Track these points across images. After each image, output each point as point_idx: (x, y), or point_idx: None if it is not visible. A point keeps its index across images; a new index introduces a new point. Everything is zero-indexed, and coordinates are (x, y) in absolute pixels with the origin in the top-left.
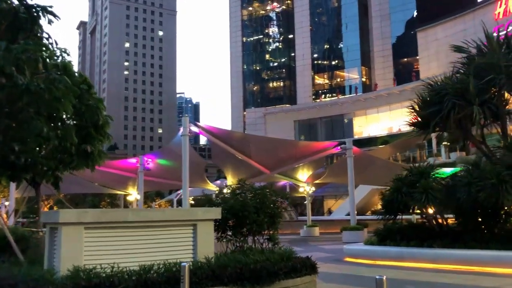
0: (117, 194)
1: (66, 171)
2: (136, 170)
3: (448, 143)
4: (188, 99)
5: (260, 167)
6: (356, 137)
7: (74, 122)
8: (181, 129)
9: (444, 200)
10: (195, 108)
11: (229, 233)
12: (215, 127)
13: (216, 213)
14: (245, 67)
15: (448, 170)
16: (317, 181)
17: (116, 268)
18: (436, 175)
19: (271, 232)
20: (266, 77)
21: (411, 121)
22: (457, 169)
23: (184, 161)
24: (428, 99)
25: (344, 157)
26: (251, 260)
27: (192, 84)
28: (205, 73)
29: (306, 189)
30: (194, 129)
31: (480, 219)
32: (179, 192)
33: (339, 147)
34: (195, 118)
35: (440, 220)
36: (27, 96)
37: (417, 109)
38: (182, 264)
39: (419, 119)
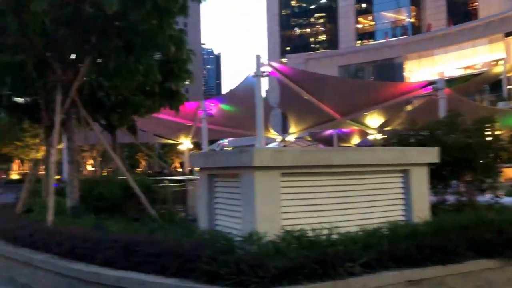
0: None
1: (150, 112)
2: (192, 117)
3: None
4: (209, 50)
5: (332, 112)
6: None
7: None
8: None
9: None
10: (217, 59)
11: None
12: (290, 67)
13: (432, 155)
14: (282, 10)
15: None
16: (389, 128)
17: (327, 230)
18: None
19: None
20: (305, 21)
21: None
22: None
23: (258, 104)
24: None
25: (431, 98)
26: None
27: (212, 35)
28: (225, 23)
29: (376, 137)
30: (267, 68)
31: None
32: (220, 142)
33: (429, 87)
34: (217, 71)
35: None
36: None
37: None
38: None
39: None
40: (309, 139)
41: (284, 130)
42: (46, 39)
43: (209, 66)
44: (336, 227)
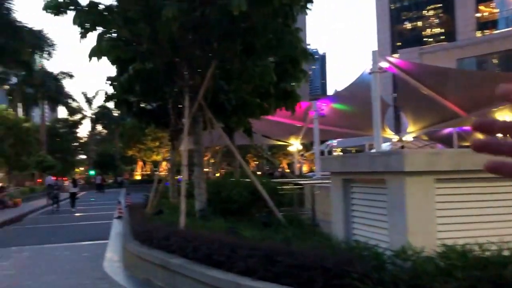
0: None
1: (265, 114)
2: (302, 117)
3: None
4: (314, 51)
5: (456, 109)
6: None
7: (272, 57)
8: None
9: None
10: (322, 59)
11: None
12: (408, 61)
13: None
14: (391, 5)
15: None
16: None
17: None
18: None
19: None
20: (417, 14)
21: None
22: None
23: (375, 102)
24: None
25: None
26: None
27: (316, 35)
28: (330, 23)
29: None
30: (384, 64)
31: None
32: (328, 142)
33: None
34: (322, 71)
35: None
36: None
37: None
38: None
39: None
40: (425, 138)
41: (397, 129)
42: (173, 45)
43: (314, 67)
44: (507, 241)
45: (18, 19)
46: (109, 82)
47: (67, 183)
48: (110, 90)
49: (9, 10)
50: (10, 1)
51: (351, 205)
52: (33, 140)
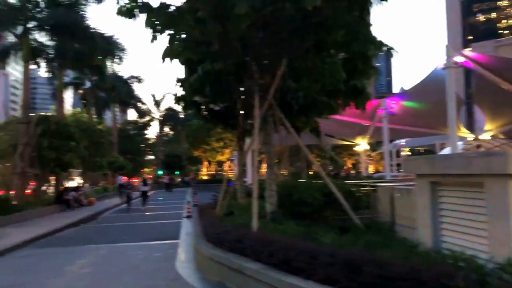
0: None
1: (332, 113)
2: (370, 116)
3: None
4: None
5: None
6: None
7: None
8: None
9: None
10: (387, 56)
11: None
12: (486, 55)
13: None
14: None
15: None
16: None
17: None
18: None
19: None
20: (491, 5)
21: None
22: None
23: (450, 99)
24: None
25: None
26: None
27: (382, 31)
28: (395, 20)
29: None
30: (459, 59)
31: None
32: (396, 142)
33: None
34: (387, 68)
35: None
36: None
37: None
38: None
39: None
40: (502, 136)
41: (470, 127)
42: (243, 44)
43: (379, 64)
44: None
45: (92, 26)
46: (179, 84)
47: (137, 182)
48: (179, 92)
49: (83, 17)
50: (85, 9)
51: (439, 209)
52: (106, 141)
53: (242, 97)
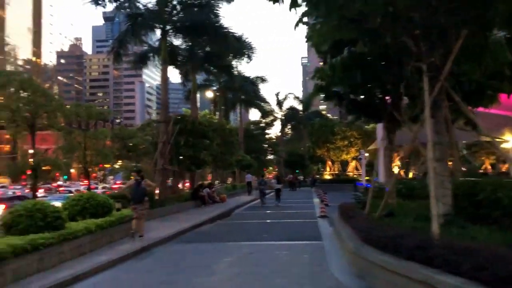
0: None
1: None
2: None
3: None
4: None
5: None
6: None
7: None
8: None
9: None
10: None
11: None
12: None
13: None
14: None
15: None
16: None
17: None
18: None
19: None
20: None
21: None
22: None
23: None
24: None
25: None
26: None
27: None
28: None
29: None
30: None
31: None
32: None
33: None
34: None
35: None
36: None
37: None
38: None
39: None
40: None
41: None
42: (407, 17)
43: None
44: None
45: (225, 25)
46: (317, 75)
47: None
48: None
49: (217, 16)
50: (217, 8)
51: None
52: (235, 140)
53: (396, 82)
